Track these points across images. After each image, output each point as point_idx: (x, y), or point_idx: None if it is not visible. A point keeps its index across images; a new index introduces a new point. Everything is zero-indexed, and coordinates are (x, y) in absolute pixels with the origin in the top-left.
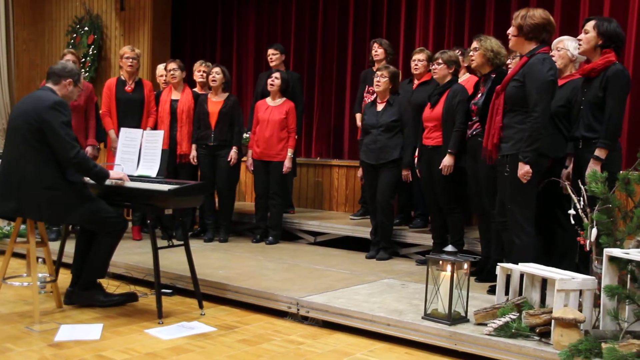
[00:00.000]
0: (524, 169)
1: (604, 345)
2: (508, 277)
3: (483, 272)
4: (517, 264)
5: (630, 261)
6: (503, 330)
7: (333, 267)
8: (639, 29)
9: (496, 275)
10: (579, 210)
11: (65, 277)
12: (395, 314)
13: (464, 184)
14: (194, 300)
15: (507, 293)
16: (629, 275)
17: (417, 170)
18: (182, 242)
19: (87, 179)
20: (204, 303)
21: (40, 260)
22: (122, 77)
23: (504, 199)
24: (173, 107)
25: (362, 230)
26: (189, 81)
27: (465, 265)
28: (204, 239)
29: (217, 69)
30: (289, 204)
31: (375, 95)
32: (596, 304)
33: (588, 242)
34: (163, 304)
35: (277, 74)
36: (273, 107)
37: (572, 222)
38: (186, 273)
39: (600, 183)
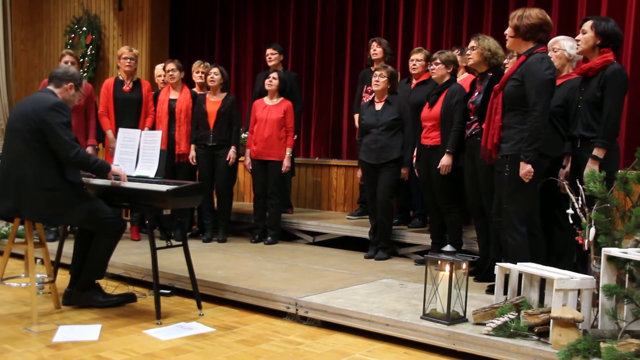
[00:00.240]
0: (525, 169)
1: (602, 344)
2: (506, 277)
3: (482, 272)
4: (513, 263)
5: (628, 260)
6: (502, 330)
7: (332, 267)
8: (636, 28)
9: (495, 275)
10: (577, 209)
11: (63, 278)
12: (393, 314)
13: (462, 183)
14: (192, 301)
15: (505, 293)
16: (627, 275)
17: (415, 170)
18: (180, 243)
19: (86, 179)
20: (203, 303)
21: (38, 261)
22: (120, 77)
23: (501, 198)
24: (171, 107)
25: (361, 230)
26: (188, 81)
27: (464, 265)
28: (203, 239)
29: (215, 70)
30: (288, 204)
31: (373, 94)
32: (594, 303)
33: (586, 241)
34: (162, 305)
35: (274, 74)
36: (271, 106)
37: (571, 221)
38: (185, 273)
39: (598, 182)
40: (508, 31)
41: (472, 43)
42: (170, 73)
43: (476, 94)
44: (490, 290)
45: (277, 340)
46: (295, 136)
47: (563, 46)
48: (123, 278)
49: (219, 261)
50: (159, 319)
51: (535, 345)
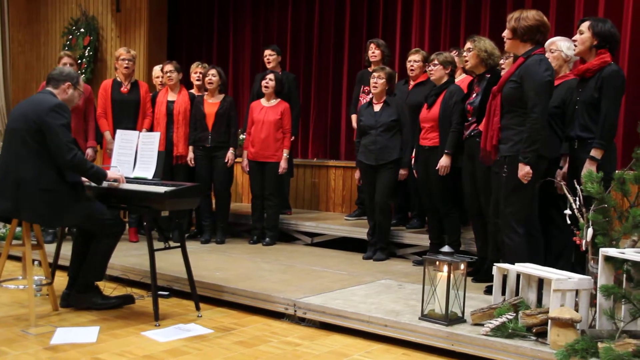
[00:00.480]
0: (524, 170)
1: (600, 344)
2: (505, 278)
3: (480, 273)
4: (511, 264)
5: (626, 261)
6: (500, 331)
7: (330, 268)
8: (633, 29)
9: (493, 276)
10: (575, 210)
11: (61, 280)
12: (392, 315)
13: (461, 184)
14: (190, 302)
15: (503, 293)
16: (624, 275)
17: (414, 171)
18: (178, 244)
19: (85, 180)
20: (201, 305)
21: (36, 262)
22: (118, 79)
23: (499, 199)
24: (169, 108)
25: (359, 231)
26: (186, 83)
27: (462, 266)
28: (201, 241)
29: (213, 71)
30: (286, 205)
31: (370, 96)
32: (592, 303)
33: (584, 242)
34: (160, 306)
35: (271, 75)
36: (268, 108)
37: (568, 222)
38: (183, 275)
39: (595, 183)
40: (506, 33)
41: (468, 45)
42: (168, 74)
43: (474, 95)
44: (489, 291)
45: (276, 341)
46: (293, 137)
47: (560, 47)
48: (121, 280)
49: (217, 262)
50: (157, 321)
51: (534, 345)
